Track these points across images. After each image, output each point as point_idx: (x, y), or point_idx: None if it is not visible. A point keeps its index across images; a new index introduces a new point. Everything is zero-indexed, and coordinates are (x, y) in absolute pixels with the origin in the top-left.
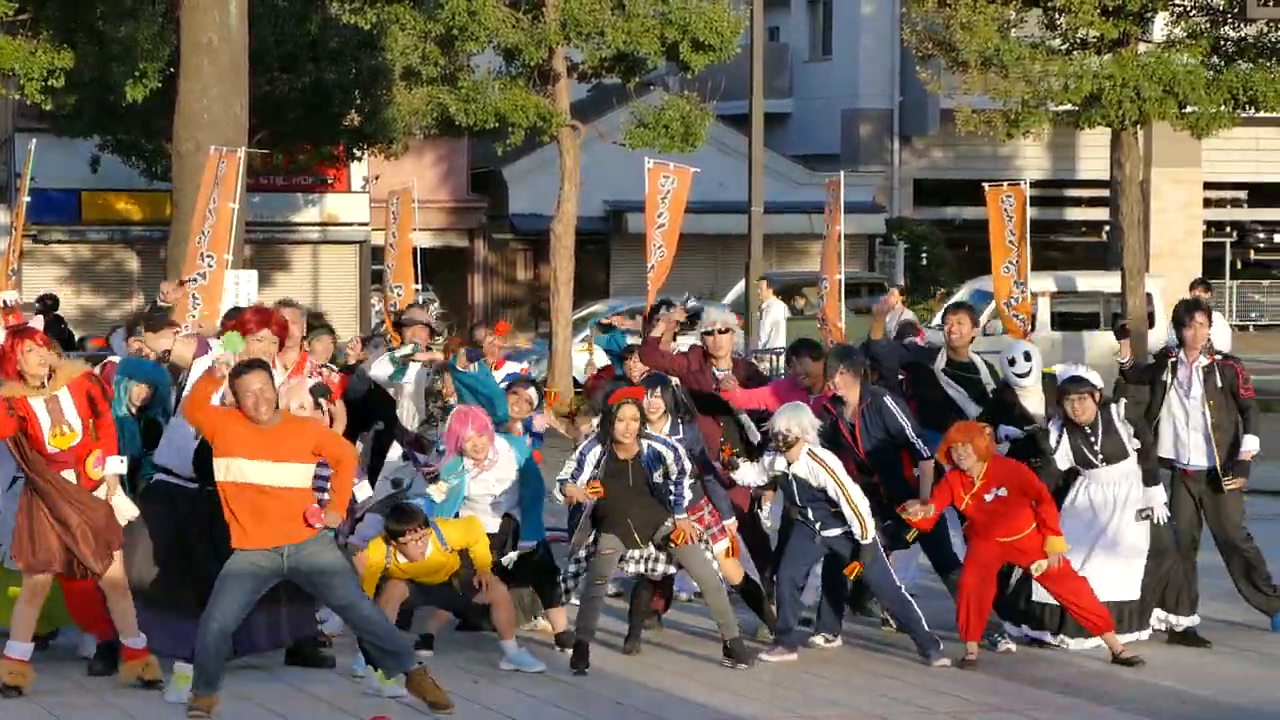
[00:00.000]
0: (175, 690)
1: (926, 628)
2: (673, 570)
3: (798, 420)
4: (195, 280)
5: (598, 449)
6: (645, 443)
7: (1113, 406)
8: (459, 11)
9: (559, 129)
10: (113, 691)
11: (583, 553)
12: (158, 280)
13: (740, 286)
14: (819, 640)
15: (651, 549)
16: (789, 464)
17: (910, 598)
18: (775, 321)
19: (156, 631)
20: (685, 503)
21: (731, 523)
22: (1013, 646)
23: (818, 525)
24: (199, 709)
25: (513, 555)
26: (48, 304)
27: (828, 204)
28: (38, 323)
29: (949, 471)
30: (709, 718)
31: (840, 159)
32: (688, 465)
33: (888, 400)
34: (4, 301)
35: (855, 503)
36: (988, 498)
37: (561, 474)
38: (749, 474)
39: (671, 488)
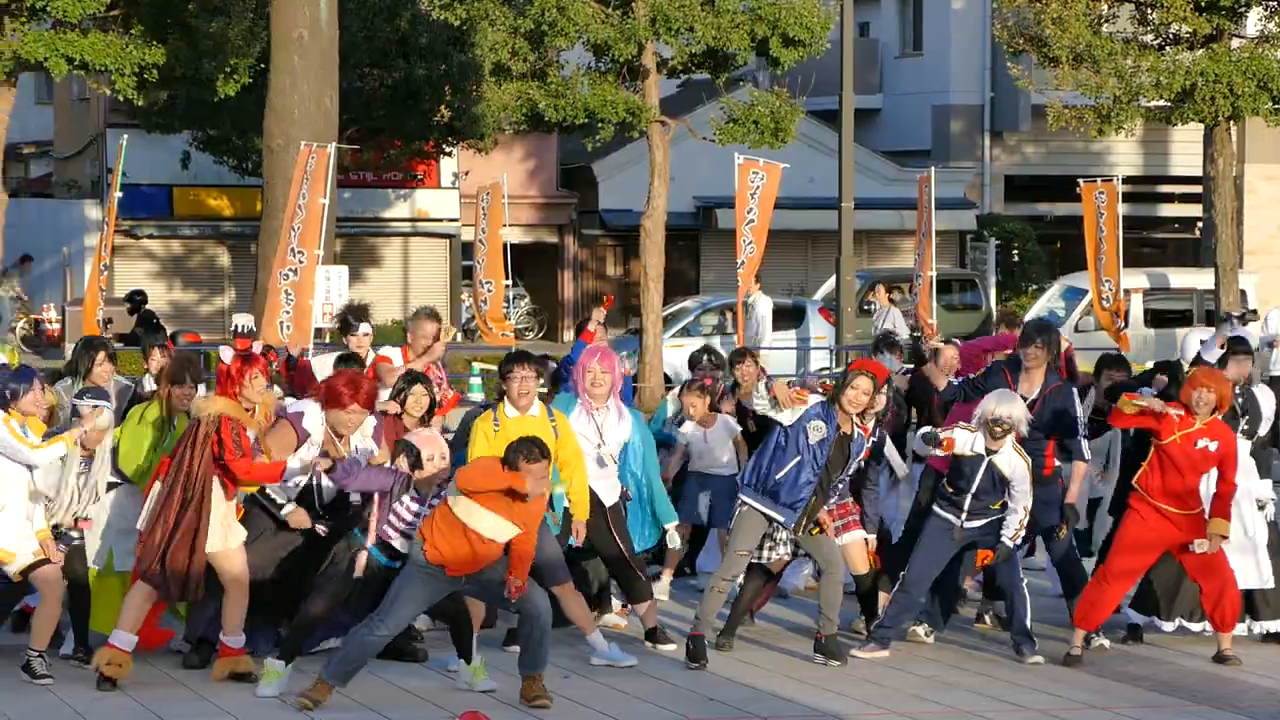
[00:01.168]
0: (266, 684)
1: (1030, 625)
2: (787, 556)
3: (1013, 410)
4: (288, 275)
5: (821, 406)
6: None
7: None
8: (549, 7)
9: (648, 125)
10: (206, 685)
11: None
12: (249, 276)
13: (831, 282)
14: (920, 630)
15: (782, 533)
16: (991, 451)
17: (1028, 595)
18: (761, 317)
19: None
20: (837, 495)
21: (873, 537)
22: (1106, 643)
23: (964, 515)
24: (311, 699)
25: (675, 536)
26: (137, 300)
27: (919, 200)
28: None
29: (1173, 403)
30: (801, 714)
31: (931, 155)
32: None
33: (1073, 390)
34: (238, 327)
35: (1030, 503)
36: (1199, 444)
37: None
38: (962, 440)
39: (843, 477)
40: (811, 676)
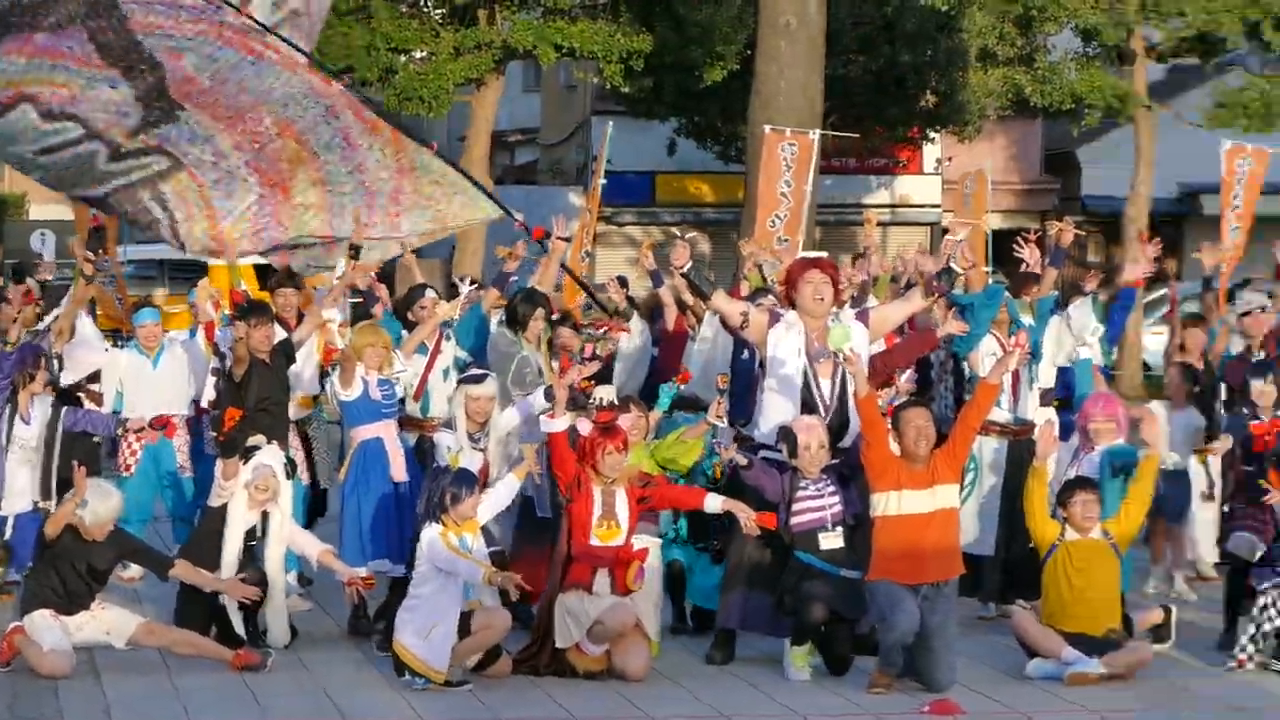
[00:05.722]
0: (794, 669)
1: None
2: None
3: None
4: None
5: None
6: None
7: None
8: None
9: (1135, 110)
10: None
11: None
12: (729, 263)
13: None
14: None
15: None
16: None
17: None
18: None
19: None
20: None
21: None
22: None
23: None
24: (880, 686)
25: None
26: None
27: None
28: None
29: None
30: None
31: None
32: None
33: None
34: (600, 400)
35: None
36: None
37: None
38: None
39: None
40: None
